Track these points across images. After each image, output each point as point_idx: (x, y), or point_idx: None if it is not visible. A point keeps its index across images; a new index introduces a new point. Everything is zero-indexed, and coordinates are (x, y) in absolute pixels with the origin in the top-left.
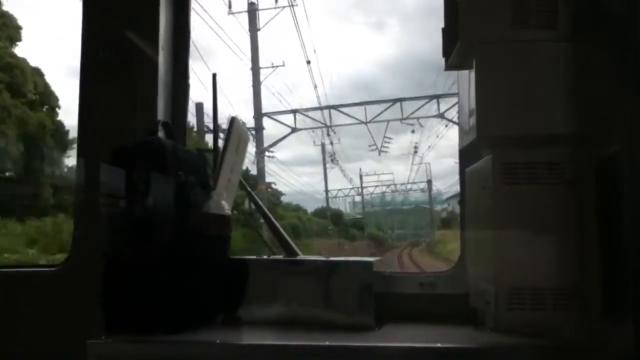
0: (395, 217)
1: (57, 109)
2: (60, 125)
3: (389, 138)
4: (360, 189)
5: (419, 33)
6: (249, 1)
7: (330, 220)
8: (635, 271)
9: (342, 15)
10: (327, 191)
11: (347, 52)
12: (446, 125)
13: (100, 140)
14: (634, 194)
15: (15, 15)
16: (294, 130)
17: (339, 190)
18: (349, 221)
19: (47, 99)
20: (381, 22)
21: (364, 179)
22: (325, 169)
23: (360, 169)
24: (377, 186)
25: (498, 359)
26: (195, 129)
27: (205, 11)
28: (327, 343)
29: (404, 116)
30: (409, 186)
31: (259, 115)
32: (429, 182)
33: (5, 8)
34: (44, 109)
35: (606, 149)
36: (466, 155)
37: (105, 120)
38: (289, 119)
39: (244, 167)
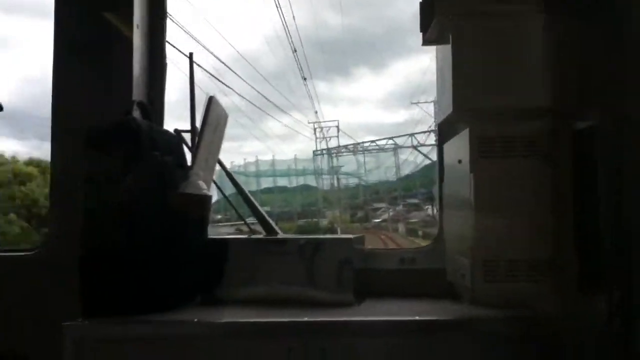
0: None
1: None
2: None
3: None
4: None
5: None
6: None
7: None
8: (609, 243)
9: None
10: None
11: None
12: None
13: (75, 121)
14: (609, 167)
15: None
16: None
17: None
18: None
19: None
20: None
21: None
22: None
23: None
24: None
25: (474, 330)
26: None
27: None
28: (305, 319)
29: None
30: None
31: None
32: None
33: None
34: None
35: (582, 123)
36: (444, 130)
37: (80, 100)
38: None
39: None
